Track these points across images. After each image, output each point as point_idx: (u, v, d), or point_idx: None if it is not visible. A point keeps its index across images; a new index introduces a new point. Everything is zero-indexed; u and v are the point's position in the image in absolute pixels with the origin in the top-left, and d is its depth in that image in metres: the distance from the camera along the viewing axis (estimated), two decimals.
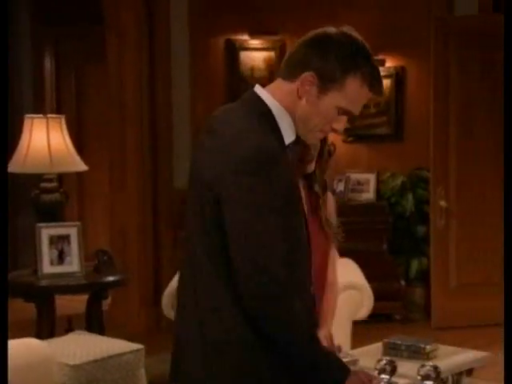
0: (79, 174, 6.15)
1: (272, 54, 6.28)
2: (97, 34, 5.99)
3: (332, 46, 1.78)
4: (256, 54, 6.31)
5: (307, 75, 1.77)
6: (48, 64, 7.02)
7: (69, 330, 4.45)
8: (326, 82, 1.77)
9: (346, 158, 6.15)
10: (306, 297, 1.78)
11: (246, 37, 6.28)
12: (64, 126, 4.48)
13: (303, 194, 2.47)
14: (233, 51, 6.28)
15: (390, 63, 6.17)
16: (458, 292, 5.66)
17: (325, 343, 2.43)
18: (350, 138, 6.15)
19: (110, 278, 4.38)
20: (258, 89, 1.83)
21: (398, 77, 6.15)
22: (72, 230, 4.36)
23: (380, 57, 6.12)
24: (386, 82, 6.13)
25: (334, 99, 1.77)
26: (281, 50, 6.29)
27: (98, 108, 6.70)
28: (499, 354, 2.38)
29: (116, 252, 5.25)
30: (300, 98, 1.78)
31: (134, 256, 5.69)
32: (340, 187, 6.11)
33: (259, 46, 6.29)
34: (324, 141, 2.48)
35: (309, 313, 1.77)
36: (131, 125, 5.69)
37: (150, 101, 5.74)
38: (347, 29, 1.82)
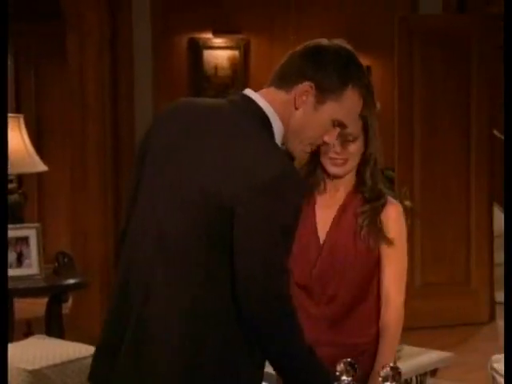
0: (39, 175, 6.09)
1: (236, 52, 6.27)
2: (57, 32, 5.92)
3: (329, 57, 1.78)
4: (220, 52, 6.30)
5: (305, 85, 1.76)
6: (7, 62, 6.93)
7: (28, 333, 4.41)
8: (324, 93, 1.76)
9: None
10: None
11: (209, 35, 6.27)
12: (23, 126, 4.43)
13: (328, 195, 2.34)
14: (196, 50, 6.27)
15: None
16: (423, 292, 5.70)
17: None
18: None
19: (71, 281, 4.35)
20: (251, 93, 1.80)
21: None
22: (31, 232, 4.31)
23: None
24: None
25: (331, 110, 1.78)
26: (245, 49, 6.30)
27: (59, 107, 6.64)
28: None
29: (77, 254, 5.21)
30: (297, 108, 1.77)
31: (95, 258, 5.64)
32: None
33: (223, 45, 6.29)
34: (366, 142, 2.26)
35: None
36: (93, 124, 5.65)
37: (112, 100, 5.70)
38: (339, 41, 1.83)
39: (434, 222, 5.74)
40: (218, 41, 6.26)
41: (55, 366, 3.38)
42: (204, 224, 1.70)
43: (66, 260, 4.45)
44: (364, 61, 6.58)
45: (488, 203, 5.93)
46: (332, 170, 2.27)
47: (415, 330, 5.44)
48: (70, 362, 3.43)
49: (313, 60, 1.78)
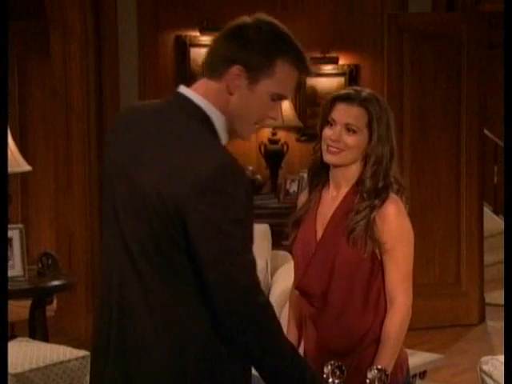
0: (23, 175, 6.05)
1: None
2: (40, 30, 5.90)
3: (252, 35, 1.78)
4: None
5: (234, 69, 1.76)
6: None
7: (11, 336, 4.38)
8: (255, 72, 1.77)
9: (299, 157, 6.17)
10: None
11: (196, 33, 6.26)
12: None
13: (322, 193, 2.32)
14: (183, 48, 6.25)
15: (343, 61, 6.20)
16: (413, 293, 5.71)
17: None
18: (303, 137, 6.17)
19: (55, 283, 4.33)
20: (184, 90, 1.81)
21: (352, 75, 6.18)
22: (14, 233, 4.29)
23: (333, 54, 6.15)
24: (340, 81, 6.16)
25: (266, 87, 1.78)
26: None
27: (43, 106, 6.61)
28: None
29: (62, 255, 5.19)
30: (231, 94, 1.77)
31: (80, 259, 5.62)
32: (293, 187, 6.12)
33: (210, 43, 6.28)
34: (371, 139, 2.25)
35: None
36: (77, 123, 5.63)
37: (96, 98, 5.68)
38: (260, 15, 1.84)
39: (424, 223, 5.74)
40: (205, 39, 6.24)
41: (39, 369, 3.37)
42: (157, 231, 1.71)
43: (50, 261, 4.43)
44: (353, 59, 6.53)
45: (478, 203, 5.95)
46: (326, 156, 2.26)
47: (407, 332, 5.45)
48: (54, 365, 3.42)
49: (236, 42, 1.78)
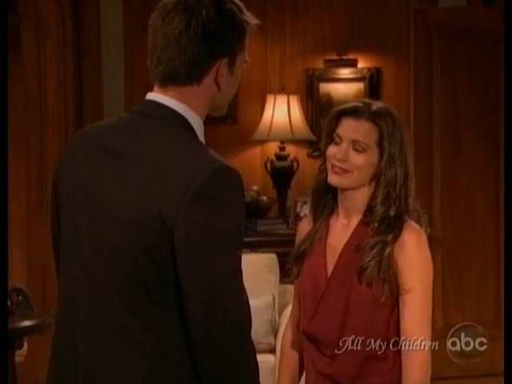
0: None
1: None
2: (10, 26, 5.90)
3: (218, 21, 1.81)
4: None
5: (221, 63, 1.83)
6: None
7: None
8: (234, 56, 1.86)
9: (311, 175, 6.14)
10: None
11: None
12: None
13: (332, 221, 2.34)
14: None
15: (362, 64, 6.21)
16: (445, 335, 5.67)
17: None
18: (315, 153, 6.15)
19: (26, 323, 4.33)
20: (153, 96, 1.86)
21: (373, 80, 6.20)
22: None
23: (350, 56, 6.16)
24: (359, 86, 6.17)
25: (240, 62, 1.89)
26: None
27: (13, 116, 6.60)
28: None
29: (34, 291, 5.17)
30: (220, 89, 1.85)
31: (56, 296, 5.59)
32: (305, 210, 6.09)
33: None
34: (390, 165, 2.29)
35: None
36: (53, 137, 5.65)
37: (76, 108, 5.70)
38: None
39: (458, 253, 5.73)
40: None
41: None
42: (140, 262, 1.72)
43: (20, 298, 4.46)
44: (374, 62, 6.52)
45: None
46: (330, 178, 2.30)
47: (437, 381, 5.40)
48: None
49: (207, 38, 1.81)
